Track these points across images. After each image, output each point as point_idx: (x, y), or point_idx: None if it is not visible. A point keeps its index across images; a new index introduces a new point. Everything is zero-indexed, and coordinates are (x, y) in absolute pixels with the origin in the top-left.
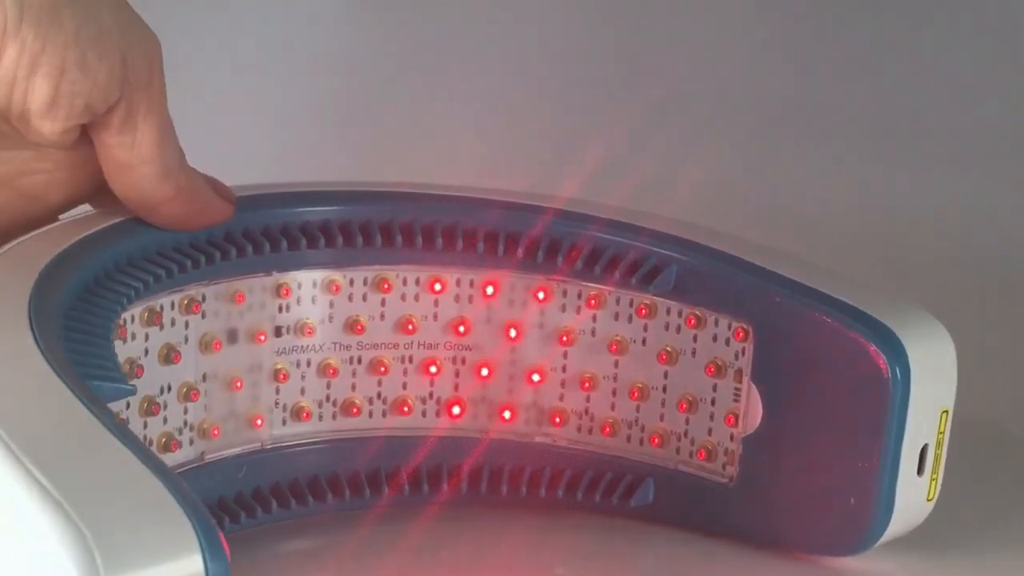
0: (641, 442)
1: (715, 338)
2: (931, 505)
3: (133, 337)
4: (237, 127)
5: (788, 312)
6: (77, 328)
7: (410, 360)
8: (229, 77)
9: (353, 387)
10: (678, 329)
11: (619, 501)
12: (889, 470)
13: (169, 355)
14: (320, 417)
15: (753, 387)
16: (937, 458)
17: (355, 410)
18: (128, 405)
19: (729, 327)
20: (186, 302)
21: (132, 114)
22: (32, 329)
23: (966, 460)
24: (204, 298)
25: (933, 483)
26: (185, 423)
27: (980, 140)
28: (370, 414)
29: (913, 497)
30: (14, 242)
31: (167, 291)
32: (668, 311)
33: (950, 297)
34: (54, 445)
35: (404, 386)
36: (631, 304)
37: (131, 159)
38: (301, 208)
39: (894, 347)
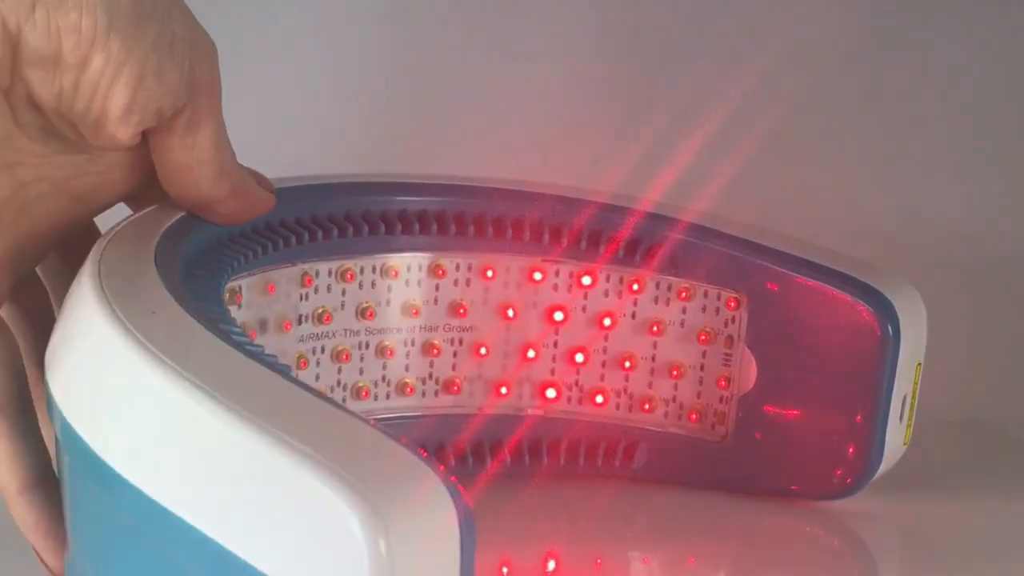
0: (630, 409)
1: (704, 309)
2: (905, 448)
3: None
4: (283, 120)
5: (781, 282)
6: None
7: (411, 344)
8: (281, 70)
9: (361, 371)
10: (668, 302)
11: (619, 465)
12: (881, 419)
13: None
14: (375, 397)
15: (747, 351)
16: (912, 407)
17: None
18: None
19: (719, 297)
20: (227, 294)
21: (196, 118)
22: (186, 310)
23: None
24: (241, 289)
25: (909, 428)
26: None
27: (978, 141)
28: (376, 396)
29: (896, 442)
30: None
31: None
32: (658, 285)
33: (950, 298)
34: (287, 412)
35: (407, 368)
36: (621, 280)
37: (191, 161)
38: (399, 196)
39: (885, 307)
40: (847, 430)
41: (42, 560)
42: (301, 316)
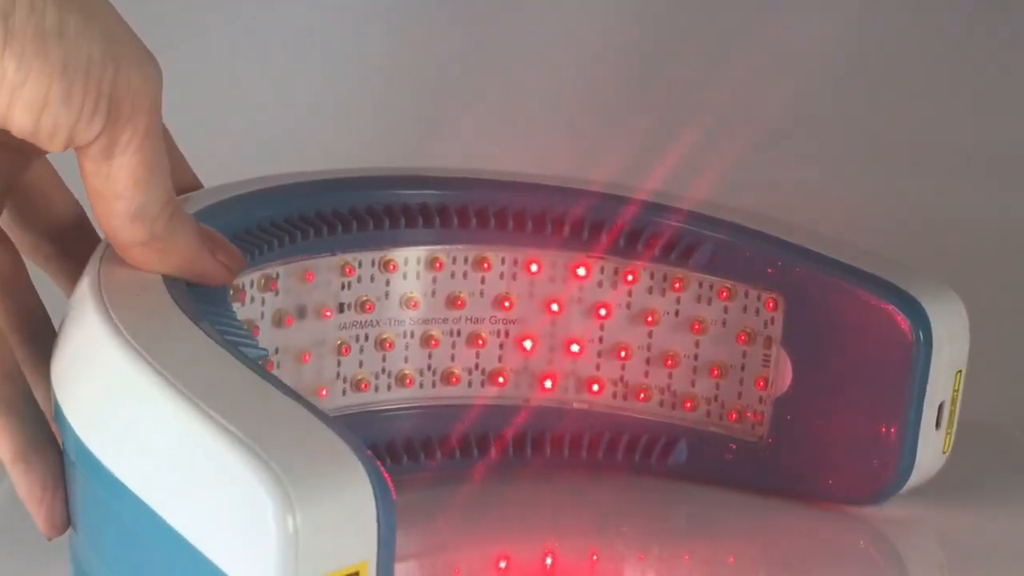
0: (674, 406)
1: (745, 309)
2: (945, 457)
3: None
4: (281, 119)
5: (817, 283)
6: (205, 298)
7: (458, 334)
8: (279, 70)
9: (406, 359)
10: (710, 301)
11: (656, 462)
12: (912, 426)
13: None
14: (376, 388)
15: (783, 352)
16: (952, 413)
17: (408, 381)
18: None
19: (759, 298)
20: (264, 280)
21: (111, 147)
22: (172, 297)
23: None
24: (278, 276)
25: (948, 437)
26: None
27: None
28: (420, 385)
29: (931, 450)
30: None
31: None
32: (701, 284)
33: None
34: (230, 397)
35: (452, 358)
36: (665, 279)
37: (103, 191)
38: (402, 191)
39: (917, 313)
40: (878, 436)
41: (38, 524)
42: (343, 304)
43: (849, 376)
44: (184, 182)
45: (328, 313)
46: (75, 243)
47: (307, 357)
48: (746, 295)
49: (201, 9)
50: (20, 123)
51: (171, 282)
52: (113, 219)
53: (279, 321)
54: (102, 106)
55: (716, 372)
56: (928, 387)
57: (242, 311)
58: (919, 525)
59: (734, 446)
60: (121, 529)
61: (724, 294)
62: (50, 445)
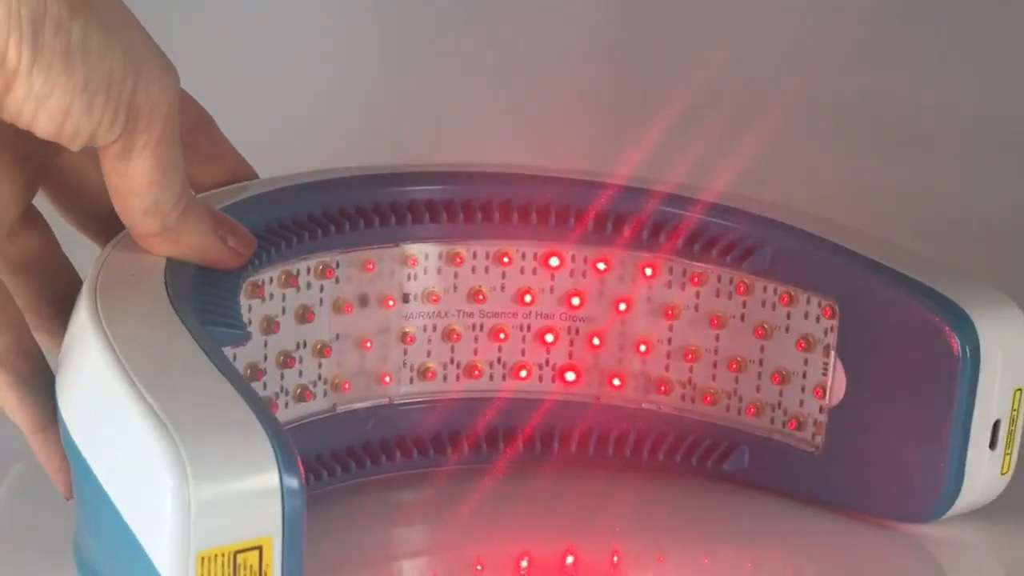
0: (739, 411)
1: (806, 315)
2: (1006, 479)
3: (271, 296)
4: (267, 117)
5: (870, 291)
6: (209, 281)
7: (528, 328)
8: (258, 65)
9: (475, 351)
10: (773, 306)
11: (714, 465)
12: (959, 443)
13: (304, 315)
14: (444, 378)
15: (838, 361)
16: (1011, 434)
17: (477, 372)
18: (266, 358)
19: (819, 305)
20: (320, 267)
21: (127, 150)
22: (165, 280)
23: None
24: (338, 264)
25: (1007, 458)
26: (319, 376)
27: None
28: (491, 377)
29: (986, 470)
30: None
31: (303, 256)
32: (764, 289)
33: None
34: (164, 373)
35: (523, 352)
36: (731, 282)
37: (120, 186)
38: (422, 186)
39: (965, 326)
40: (925, 453)
41: (58, 488)
42: (407, 294)
43: (898, 389)
44: (238, 172)
45: (391, 303)
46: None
47: (369, 344)
48: (808, 301)
49: (200, 9)
50: (44, 129)
51: (175, 265)
52: (128, 212)
53: (339, 308)
54: (120, 116)
55: (777, 378)
56: (977, 404)
57: (298, 296)
58: (972, 548)
59: (792, 454)
60: (82, 496)
61: (785, 299)
62: None
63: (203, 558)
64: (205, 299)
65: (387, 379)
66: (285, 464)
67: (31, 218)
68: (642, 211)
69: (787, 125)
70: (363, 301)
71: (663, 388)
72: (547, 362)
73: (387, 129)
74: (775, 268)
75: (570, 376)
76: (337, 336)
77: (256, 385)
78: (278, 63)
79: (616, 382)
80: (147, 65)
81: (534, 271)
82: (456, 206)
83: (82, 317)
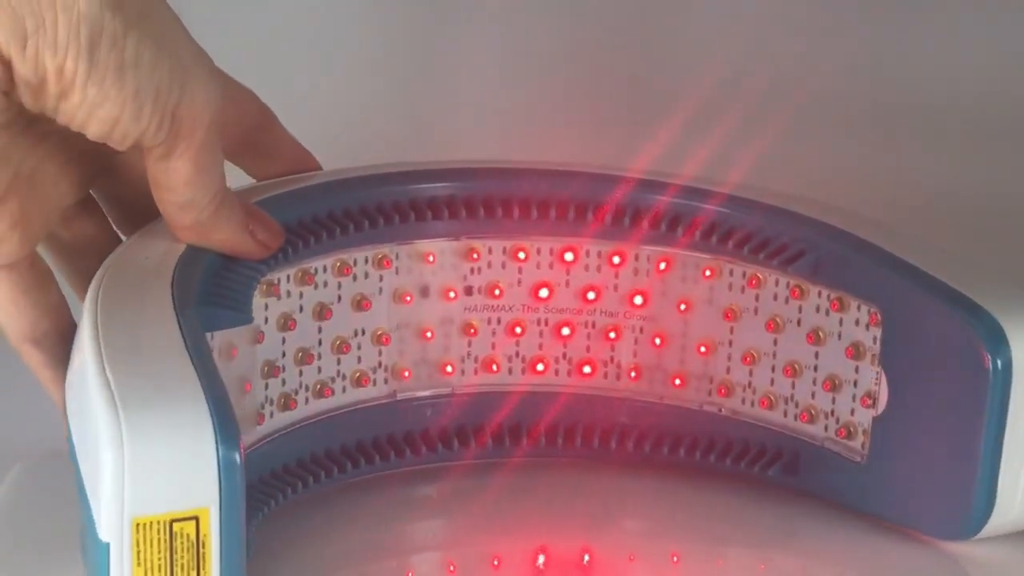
0: (795, 417)
1: (857, 322)
2: None
3: (325, 284)
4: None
5: (909, 299)
6: (227, 268)
7: (593, 325)
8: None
9: (540, 346)
10: (827, 312)
11: (763, 469)
12: (990, 460)
13: (360, 303)
14: (510, 371)
15: (881, 370)
16: None
17: (541, 367)
18: (320, 343)
19: (867, 311)
20: (379, 258)
21: (169, 153)
22: (177, 264)
23: None
24: (398, 256)
25: None
26: (379, 364)
27: None
28: (556, 372)
29: (1020, 491)
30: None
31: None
32: (819, 294)
33: None
34: (131, 349)
35: (587, 349)
36: (788, 286)
37: (159, 182)
38: (487, 181)
39: (997, 339)
40: (957, 468)
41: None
42: (469, 287)
43: (933, 401)
44: (298, 166)
45: (452, 294)
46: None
47: (431, 334)
48: (858, 308)
49: (199, 9)
50: (95, 132)
51: (193, 251)
52: (165, 205)
53: (398, 298)
54: (166, 124)
55: (828, 385)
56: (1010, 421)
57: (354, 286)
58: (1008, 569)
59: (840, 463)
60: (72, 457)
61: (836, 305)
62: (59, 332)
63: (138, 524)
64: (217, 284)
65: (449, 368)
66: (224, 437)
67: (87, 207)
68: (701, 212)
69: (796, 116)
70: (424, 292)
71: (723, 390)
72: (612, 359)
73: (387, 129)
74: (822, 273)
75: (632, 374)
76: (397, 325)
77: (309, 368)
78: (275, 63)
79: (677, 382)
80: (193, 77)
81: (598, 268)
82: (525, 203)
83: (87, 295)
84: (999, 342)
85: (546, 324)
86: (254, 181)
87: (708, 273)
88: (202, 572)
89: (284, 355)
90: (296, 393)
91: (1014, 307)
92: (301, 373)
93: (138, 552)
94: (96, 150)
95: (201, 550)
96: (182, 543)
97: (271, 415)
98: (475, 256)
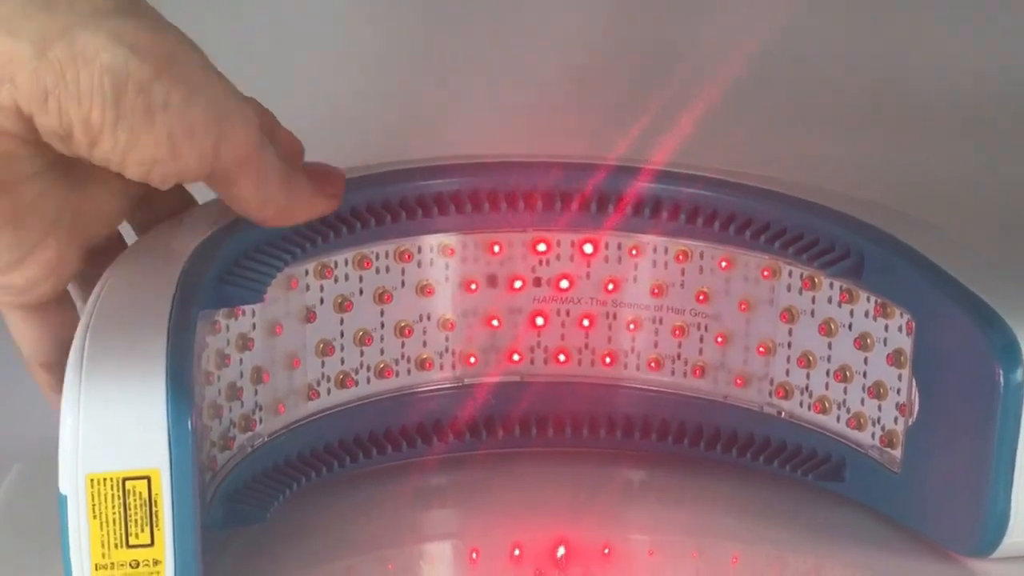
0: (846, 423)
1: (900, 328)
2: None
3: (388, 270)
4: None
5: (937, 307)
6: (254, 253)
7: (661, 321)
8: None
9: (609, 339)
10: (875, 318)
11: (807, 472)
12: (1002, 476)
13: (424, 289)
14: (579, 362)
15: (914, 379)
16: None
17: (608, 359)
18: (382, 325)
19: (906, 319)
20: (441, 246)
21: (229, 179)
22: (203, 243)
23: None
24: (465, 245)
25: None
26: (446, 348)
27: None
28: (625, 366)
29: None
30: None
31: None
32: (868, 299)
33: None
34: (117, 319)
35: (655, 344)
36: (841, 289)
37: (227, 197)
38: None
39: (1012, 353)
40: (974, 484)
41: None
42: (538, 278)
43: (955, 413)
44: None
45: (519, 284)
46: None
47: (497, 323)
48: (900, 315)
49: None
50: (133, 174)
51: (220, 231)
52: (245, 209)
53: (466, 286)
54: (207, 160)
55: (873, 392)
56: (1022, 436)
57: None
58: None
59: (880, 471)
60: None
61: (879, 310)
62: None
63: (91, 479)
64: (238, 265)
65: (516, 357)
66: (175, 406)
67: (112, 239)
68: (766, 214)
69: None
70: (491, 282)
71: (781, 392)
72: (679, 356)
73: (389, 128)
74: (865, 277)
75: (697, 372)
76: (463, 312)
77: (370, 350)
78: (270, 62)
79: (739, 382)
80: (229, 114)
81: (665, 265)
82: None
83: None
84: (1013, 356)
85: (614, 318)
86: None
87: (766, 274)
88: (155, 529)
89: (342, 335)
90: (356, 372)
91: None
92: (362, 353)
93: (93, 505)
94: (137, 184)
95: (154, 508)
96: (135, 500)
97: (328, 392)
98: (543, 248)
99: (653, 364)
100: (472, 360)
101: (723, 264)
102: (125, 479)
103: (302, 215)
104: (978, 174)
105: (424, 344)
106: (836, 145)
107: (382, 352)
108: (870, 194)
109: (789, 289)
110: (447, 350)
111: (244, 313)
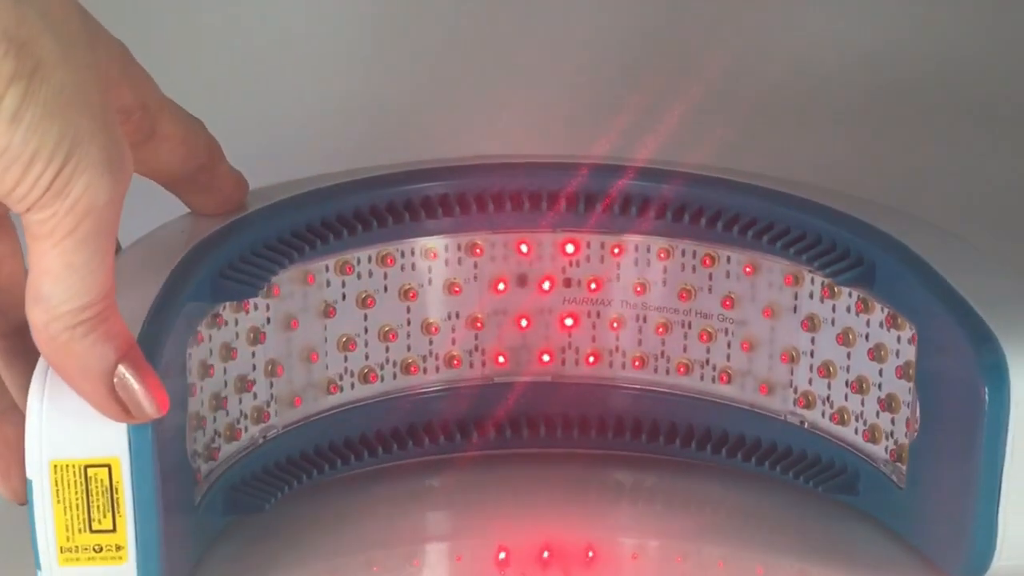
0: (862, 435)
1: (910, 341)
2: None
3: (413, 267)
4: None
5: (936, 318)
6: (262, 249)
7: (689, 326)
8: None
9: (639, 342)
10: (889, 328)
11: (823, 483)
12: (988, 498)
13: (451, 288)
14: (611, 364)
15: (916, 392)
16: None
17: (637, 363)
18: (408, 322)
19: (912, 330)
20: (469, 244)
21: (39, 230)
22: (208, 237)
23: None
24: (494, 245)
25: None
26: (476, 347)
27: None
28: (655, 370)
29: None
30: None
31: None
32: (882, 309)
33: None
34: None
35: (684, 349)
36: (858, 299)
37: (30, 263)
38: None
39: (998, 371)
40: (963, 504)
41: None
42: (568, 279)
43: (949, 430)
44: (234, 198)
45: (548, 285)
46: None
47: (526, 323)
48: (908, 326)
49: (195, 10)
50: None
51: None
52: (26, 293)
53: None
54: (34, 195)
55: (883, 405)
56: (1010, 458)
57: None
58: None
59: (888, 485)
60: None
61: (890, 321)
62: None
63: (55, 466)
64: (243, 259)
65: (546, 358)
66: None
67: None
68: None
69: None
70: (521, 281)
71: (803, 402)
72: (707, 362)
73: (384, 129)
74: (870, 284)
75: (724, 378)
76: (493, 311)
77: (396, 345)
78: (259, 65)
79: (764, 389)
80: (87, 155)
81: (693, 269)
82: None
83: None
84: (1000, 375)
85: (644, 320)
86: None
87: (789, 281)
88: (117, 516)
89: (366, 331)
90: (382, 368)
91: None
92: (387, 350)
93: (57, 491)
94: None
95: (115, 495)
96: (96, 487)
97: (351, 386)
98: (571, 249)
99: (682, 368)
100: (501, 360)
101: (747, 269)
102: (87, 466)
103: (67, 374)
104: (978, 172)
105: (453, 343)
106: (837, 143)
107: (409, 348)
108: (882, 196)
109: (811, 297)
110: (476, 348)
111: (257, 307)
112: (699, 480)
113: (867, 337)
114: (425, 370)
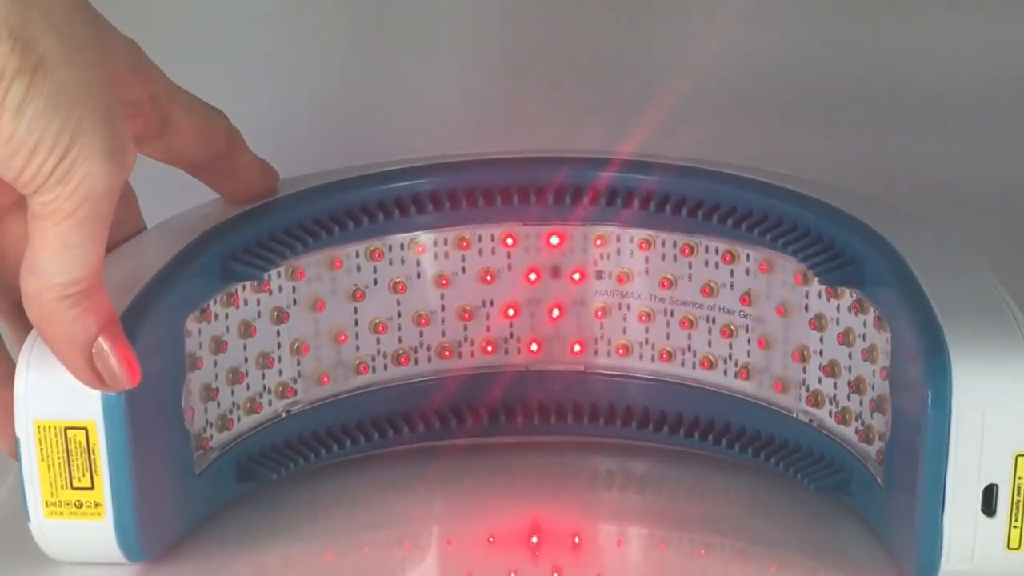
0: (860, 435)
1: (888, 341)
2: (1016, 554)
3: (446, 256)
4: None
5: (902, 316)
6: (279, 234)
7: (713, 321)
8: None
9: (667, 336)
10: (880, 329)
11: (809, 480)
12: (931, 507)
13: (485, 276)
14: (640, 356)
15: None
16: (1016, 504)
17: (666, 356)
18: (443, 308)
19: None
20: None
21: (39, 211)
22: (224, 222)
23: None
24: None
25: (1016, 531)
26: (511, 335)
27: None
28: (682, 363)
29: (982, 540)
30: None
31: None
32: (873, 310)
33: None
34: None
35: (709, 343)
36: (854, 298)
37: (29, 238)
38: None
39: (940, 378)
40: (908, 511)
41: None
42: (600, 272)
43: (907, 434)
44: (260, 184)
45: (578, 276)
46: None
47: (557, 313)
48: (897, 328)
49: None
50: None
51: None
52: (23, 262)
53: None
54: (37, 181)
55: (872, 406)
56: (952, 465)
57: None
58: None
59: (873, 484)
60: None
61: (876, 322)
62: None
63: (39, 426)
64: (258, 243)
65: (577, 348)
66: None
67: None
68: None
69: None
70: (554, 273)
71: (811, 400)
72: (729, 356)
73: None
74: (861, 284)
75: (743, 375)
76: (528, 300)
77: (429, 330)
78: (248, 67)
79: (778, 387)
80: (87, 146)
81: (716, 266)
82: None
83: None
84: (943, 382)
85: (671, 315)
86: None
87: (798, 279)
88: (95, 475)
89: (400, 315)
90: (416, 351)
91: (985, 343)
92: (422, 334)
93: (41, 448)
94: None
95: (92, 456)
96: (75, 448)
97: (384, 368)
98: (599, 243)
99: (706, 363)
100: (534, 347)
101: (762, 269)
102: (67, 428)
103: (48, 338)
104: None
105: (488, 329)
106: (826, 140)
107: (444, 334)
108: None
109: (820, 296)
110: (512, 335)
111: (280, 290)
112: (709, 472)
113: (864, 337)
114: (507, 351)
